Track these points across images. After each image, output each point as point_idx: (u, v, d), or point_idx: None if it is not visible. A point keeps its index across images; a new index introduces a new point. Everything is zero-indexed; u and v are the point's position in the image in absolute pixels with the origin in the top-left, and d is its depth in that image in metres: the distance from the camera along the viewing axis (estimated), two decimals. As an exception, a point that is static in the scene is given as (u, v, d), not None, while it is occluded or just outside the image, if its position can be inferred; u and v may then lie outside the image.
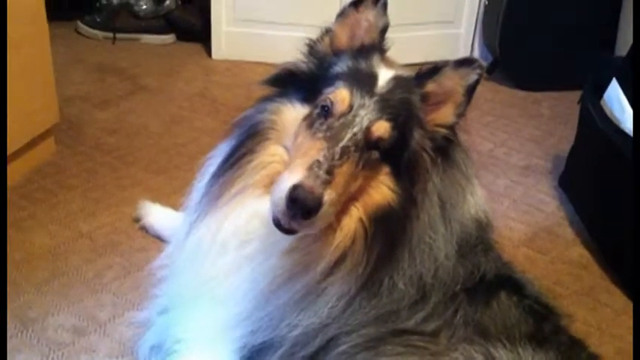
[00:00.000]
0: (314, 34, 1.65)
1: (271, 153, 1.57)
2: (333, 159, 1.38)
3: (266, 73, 1.68)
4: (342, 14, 1.61)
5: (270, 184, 1.53)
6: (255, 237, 1.56)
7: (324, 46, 1.61)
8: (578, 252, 2.51)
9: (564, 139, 3.17)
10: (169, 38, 4.19)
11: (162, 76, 3.70)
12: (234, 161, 1.59)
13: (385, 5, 1.58)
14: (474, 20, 4.20)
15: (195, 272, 1.66)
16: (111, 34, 4.06)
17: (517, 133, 3.42)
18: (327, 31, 1.62)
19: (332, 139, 1.41)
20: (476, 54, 4.26)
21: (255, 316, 1.56)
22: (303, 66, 1.61)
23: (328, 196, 1.36)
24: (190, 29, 4.18)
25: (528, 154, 3.21)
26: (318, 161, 1.37)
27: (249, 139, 1.59)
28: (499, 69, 4.02)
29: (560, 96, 3.85)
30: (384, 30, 1.59)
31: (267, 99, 1.63)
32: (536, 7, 3.83)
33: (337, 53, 1.58)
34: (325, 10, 3.82)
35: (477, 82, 1.51)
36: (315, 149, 1.40)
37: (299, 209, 1.34)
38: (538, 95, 3.90)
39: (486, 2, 4.05)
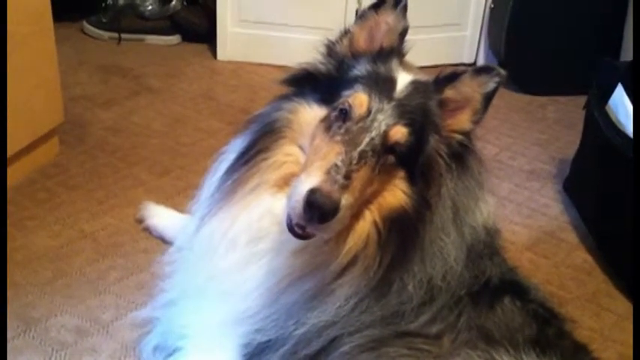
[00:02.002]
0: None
1: (287, 152, 1.57)
2: (350, 163, 1.39)
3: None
4: (361, 16, 1.62)
5: (284, 183, 1.54)
6: (266, 235, 1.57)
7: (342, 48, 1.61)
8: (582, 257, 2.50)
9: (569, 143, 3.15)
10: (174, 39, 4.19)
11: (167, 76, 3.70)
12: (248, 158, 1.59)
13: (405, 8, 1.58)
14: (480, 23, 4.18)
15: (203, 266, 1.66)
16: (116, 35, 4.06)
17: (522, 138, 3.40)
18: (346, 33, 1.62)
19: (350, 143, 1.42)
20: (481, 57, 4.24)
21: (261, 314, 1.56)
22: (322, 67, 1.61)
23: (345, 200, 1.36)
24: (196, 30, 4.17)
25: (533, 159, 3.20)
26: (336, 165, 1.37)
27: (264, 136, 1.59)
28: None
29: (565, 100, 3.83)
30: (403, 33, 1.59)
31: (284, 98, 1.63)
32: (541, 11, 3.82)
33: (356, 56, 1.58)
34: (331, 12, 3.87)
35: (495, 90, 1.51)
36: (333, 153, 1.40)
37: (316, 213, 1.34)
38: (543, 99, 3.88)
39: (492, 5, 4.04)
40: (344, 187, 1.36)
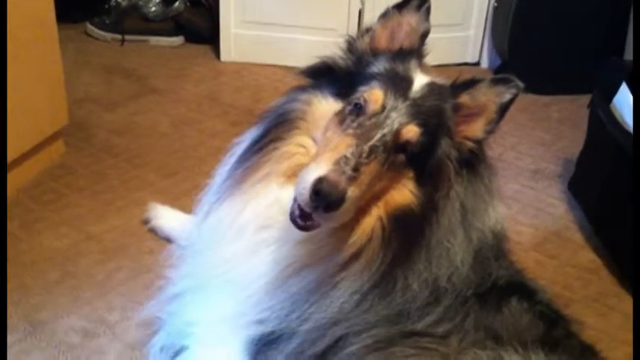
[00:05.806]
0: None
1: (299, 143, 1.58)
2: (360, 156, 1.39)
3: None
4: (384, 15, 1.62)
5: (292, 174, 1.55)
6: (273, 223, 1.58)
7: (363, 45, 1.62)
8: (588, 256, 2.50)
9: (574, 142, 3.15)
10: (178, 40, 4.20)
11: (171, 78, 3.71)
12: (261, 147, 1.60)
13: (428, 11, 1.60)
14: (483, 23, 4.19)
15: (210, 254, 1.67)
16: (120, 36, 4.07)
17: (526, 137, 3.40)
18: (368, 30, 1.63)
19: (361, 137, 1.42)
20: (484, 57, 4.25)
21: (264, 303, 1.56)
22: (341, 61, 1.61)
23: (352, 192, 1.36)
24: (199, 31, 4.18)
25: (538, 158, 3.20)
26: (345, 157, 1.38)
27: (278, 126, 1.61)
28: (508, 72, 4.00)
29: (569, 99, 3.83)
30: (424, 35, 1.61)
31: (300, 89, 1.64)
32: (545, 10, 3.81)
33: (375, 53, 1.59)
34: (334, 13, 3.87)
35: (511, 101, 1.52)
36: (343, 145, 1.41)
37: (322, 202, 1.34)
38: (547, 99, 3.87)
39: (495, 5, 4.04)
40: (351, 179, 1.36)
